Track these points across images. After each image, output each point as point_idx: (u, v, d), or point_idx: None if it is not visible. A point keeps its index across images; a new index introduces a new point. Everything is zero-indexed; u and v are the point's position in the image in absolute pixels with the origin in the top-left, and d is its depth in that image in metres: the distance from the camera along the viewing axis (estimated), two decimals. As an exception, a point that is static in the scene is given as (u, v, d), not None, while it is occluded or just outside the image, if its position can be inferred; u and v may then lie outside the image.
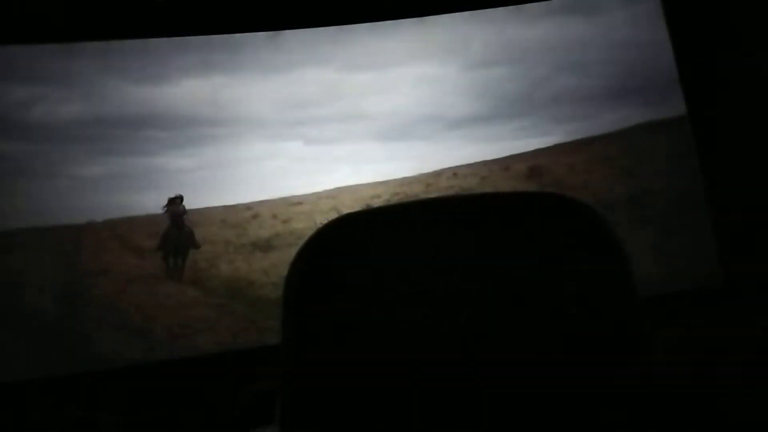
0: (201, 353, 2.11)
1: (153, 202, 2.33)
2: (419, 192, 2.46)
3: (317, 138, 2.41)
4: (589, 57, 2.45)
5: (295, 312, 0.64)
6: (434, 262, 0.62)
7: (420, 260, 0.62)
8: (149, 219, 2.36)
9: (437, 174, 2.50)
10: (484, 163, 2.49)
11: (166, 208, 2.35)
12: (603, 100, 2.44)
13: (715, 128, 2.24)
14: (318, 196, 2.40)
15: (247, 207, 2.40)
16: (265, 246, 2.36)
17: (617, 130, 2.42)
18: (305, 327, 0.63)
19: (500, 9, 2.37)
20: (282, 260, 2.32)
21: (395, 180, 2.44)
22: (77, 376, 2.00)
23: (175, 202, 2.36)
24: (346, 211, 2.38)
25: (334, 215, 2.64)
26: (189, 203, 2.35)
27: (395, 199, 2.44)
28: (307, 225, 2.37)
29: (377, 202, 2.42)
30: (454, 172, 2.52)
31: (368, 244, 0.64)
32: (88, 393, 1.90)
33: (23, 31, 2.15)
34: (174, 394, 1.94)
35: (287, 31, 2.32)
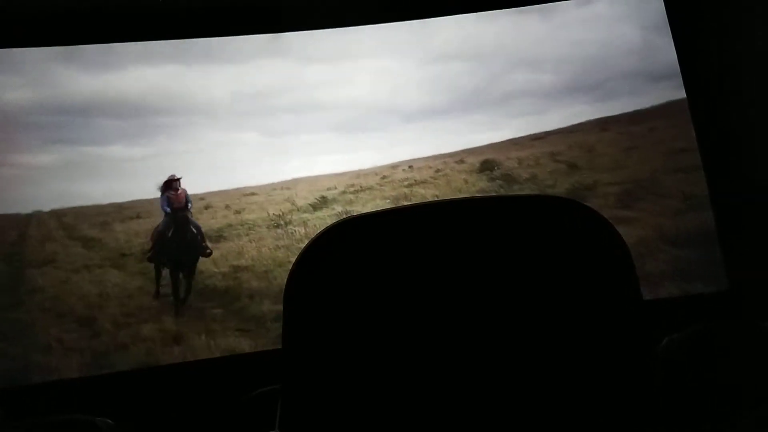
0: (200, 358, 2.08)
1: (101, 192, 2.27)
2: (374, 184, 2.47)
3: (273, 129, 2.39)
4: (543, 54, 2.50)
5: (296, 316, 0.63)
6: (437, 266, 0.61)
7: (423, 264, 0.61)
8: (97, 209, 2.31)
9: (393, 166, 2.52)
10: (440, 156, 2.53)
11: (163, 195, 2.09)
12: (555, 96, 2.50)
13: (716, 122, 2.23)
14: (273, 187, 2.38)
15: (200, 197, 2.37)
16: (216, 236, 2.34)
17: (567, 126, 2.49)
18: (306, 331, 0.62)
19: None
20: (232, 250, 2.30)
21: (351, 172, 2.45)
22: (74, 380, 1.98)
23: (173, 185, 2.09)
24: (301, 202, 2.39)
25: (288, 206, 2.61)
26: (139, 193, 2.29)
27: (351, 191, 2.44)
28: (260, 216, 2.36)
29: (333, 194, 2.42)
30: (410, 164, 2.54)
31: (370, 247, 0.63)
32: (86, 397, 1.88)
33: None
34: (174, 399, 1.91)
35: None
